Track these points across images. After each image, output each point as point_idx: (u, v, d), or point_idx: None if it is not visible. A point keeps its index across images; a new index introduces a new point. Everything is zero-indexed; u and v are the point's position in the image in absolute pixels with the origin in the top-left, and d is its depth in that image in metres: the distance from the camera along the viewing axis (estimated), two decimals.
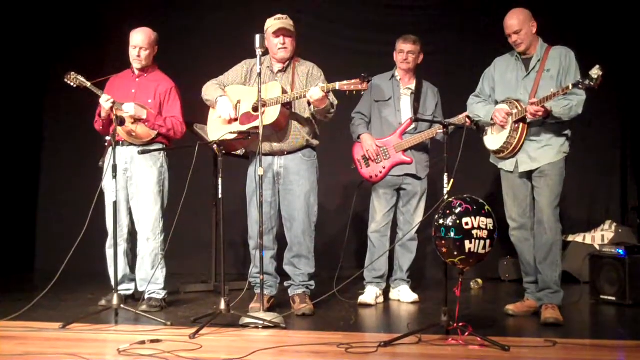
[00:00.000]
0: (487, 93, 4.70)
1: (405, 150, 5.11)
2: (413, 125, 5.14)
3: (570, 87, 4.16)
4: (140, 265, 4.93)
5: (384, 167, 5.13)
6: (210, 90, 4.75)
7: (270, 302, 4.74)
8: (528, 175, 4.53)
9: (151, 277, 4.80)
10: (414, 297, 5.17)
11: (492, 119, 4.54)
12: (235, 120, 4.64)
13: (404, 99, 5.21)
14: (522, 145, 4.46)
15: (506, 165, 4.59)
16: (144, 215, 4.90)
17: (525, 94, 4.48)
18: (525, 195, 4.56)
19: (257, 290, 4.52)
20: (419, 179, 5.17)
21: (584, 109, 4.35)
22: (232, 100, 4.68)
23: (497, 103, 4.60)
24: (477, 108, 4.70)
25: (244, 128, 4.55)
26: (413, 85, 5.22)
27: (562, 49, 4.51)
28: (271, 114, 4.50)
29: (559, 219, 4.48)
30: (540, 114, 4.27)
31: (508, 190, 4.63)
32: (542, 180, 4.46)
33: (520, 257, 4.68)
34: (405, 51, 5.15)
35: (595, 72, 4.05)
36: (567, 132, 4.49)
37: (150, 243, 4.89)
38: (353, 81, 4.41)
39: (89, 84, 4.88)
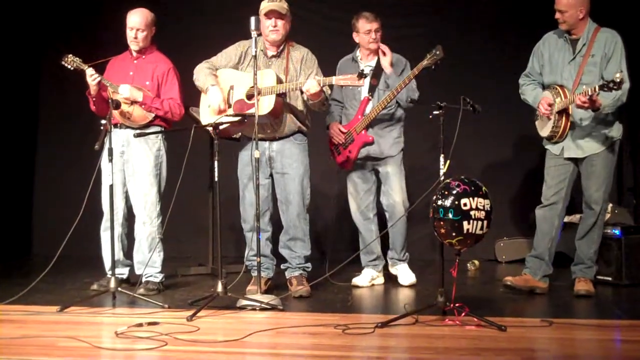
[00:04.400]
0: (537, 70, 4.72)
1: (367, 129, 4.98)
2: (371, 104, 4.99)
3: (597, 88, 4.14)
4: (137, 248, 4.93)
5: (350, 152, 5.02)
6: (201, 76, 4.69)
7: (267, 284, 4.75)
8: (574, 159, 4.59)
9: (148, 260, 4.80)
10: (412, 279, 5.13)
11: (537, 107, 4.59)
12: (230, 106, 4.61)
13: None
14: (568, 130, 4.52)
15: (554, 148, 4.65)
16: (141, 198, 4.88)
17: (569, 79, 4.51)
18: (563, 177, 4.62)
19: (254, 273, 4.53)
20: (389, 157, 5.03)
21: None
22: (225, 86, 4.64)
23: (543, 86, 4.65)
24: (526, 91, 4.75)
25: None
26: (374, 62, 5.02)
27: (609, 33, 4.48)
28: (267, 103, 4.47)
29: (607, 200, 4.64)
30: (586, 105, 4.27)
31: (549, 170, 4.70)
32: (590, 168, 4.55)
33: (537, 231, 4.73)
34: (373, 30, 4.91)
35: (618, 75, 4.03)
36: (613, 117, 4.51)
37: (147, 227, 4.88)
38: (349, 76, 4.39)
39: (86, 67, 4.82)
